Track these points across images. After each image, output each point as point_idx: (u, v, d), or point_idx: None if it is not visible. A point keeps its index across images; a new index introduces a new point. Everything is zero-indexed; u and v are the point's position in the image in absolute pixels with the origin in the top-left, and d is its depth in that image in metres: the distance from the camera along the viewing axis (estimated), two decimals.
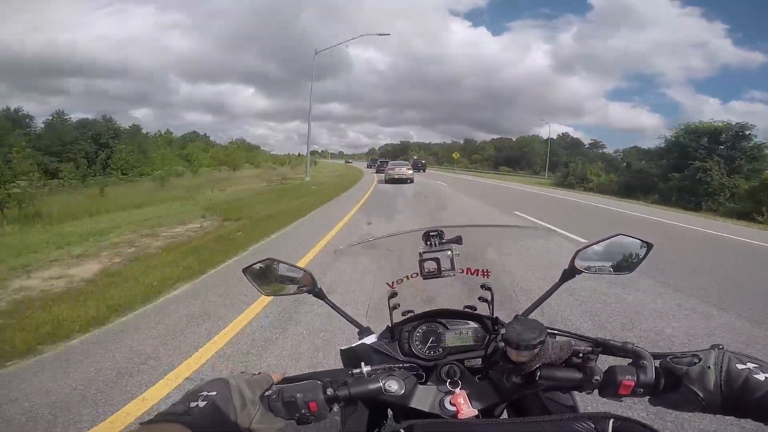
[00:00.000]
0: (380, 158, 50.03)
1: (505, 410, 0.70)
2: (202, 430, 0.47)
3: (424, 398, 0.65)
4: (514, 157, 71.38)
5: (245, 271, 0.84)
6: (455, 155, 58.05)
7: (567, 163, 38.59)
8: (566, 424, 0.47)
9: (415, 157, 51.29)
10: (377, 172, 31.56)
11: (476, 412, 0.62)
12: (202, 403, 0.50)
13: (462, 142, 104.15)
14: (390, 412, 0.71)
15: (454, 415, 0.61)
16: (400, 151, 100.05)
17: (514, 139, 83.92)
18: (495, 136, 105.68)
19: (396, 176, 21.29)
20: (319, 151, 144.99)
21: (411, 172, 22.16)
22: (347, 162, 66.02)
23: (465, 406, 0.61)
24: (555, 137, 76.69)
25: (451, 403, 0.62)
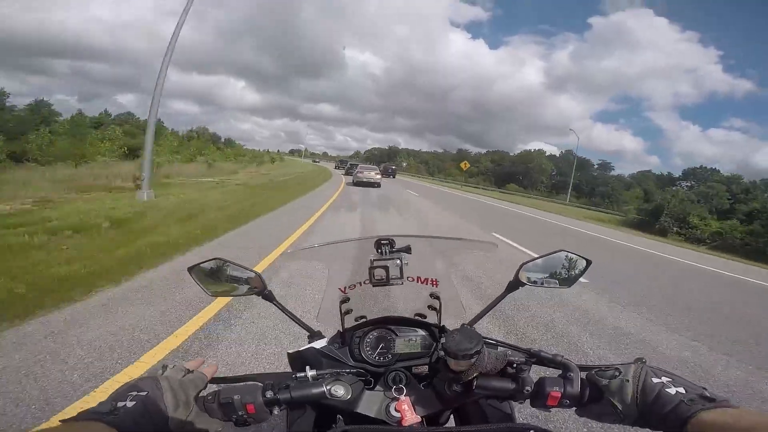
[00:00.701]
0: (350, 161, 50.36)
1: (451, 416, 0.72)
2: (127, 430, 0.45)
3: (370, 404, 0.66)
4: (515, 172, 64.51)
5: (191, 269, 0.81)
6: (464, 164, 44.37)
7: (646, 197, 28.85)
8: None
9: (387, 164, 48.96)
10: (346, 174, 32.21)
11: (419, 419, 0.63)
12: (130, 403, 0.48)
13: (455, 152, 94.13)
14: (339, 417, 0.71)
15: (399, 421, 0.62)
16: (387, 157, 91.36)
17: (511, 154, 77.50)
18: (483, 150, 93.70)
19: (364, 179, 21.80)
20: (301, 150, 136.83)
21: (379, 176, 22.70)
22: (314, 162, 60.08)
23: (409, 413, 0.63)
24: (558, 155, 72.06)
25: (396, 410, 0.63)
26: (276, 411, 0.56)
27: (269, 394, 0.55)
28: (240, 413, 0.54)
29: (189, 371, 0.57)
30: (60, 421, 0.44)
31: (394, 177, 40.26)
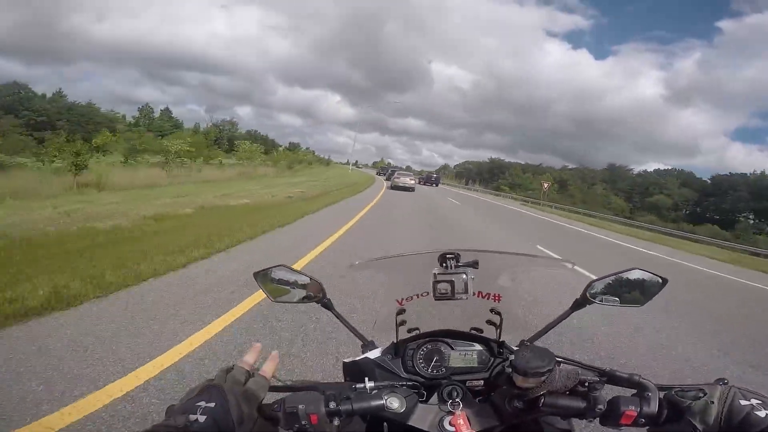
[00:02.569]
0: (390, 168, 53.65)
1: None
2: None
3: (423, 417, 0.65)
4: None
5: (256, 275, 0.85)
6: (547, 184, 35.33)
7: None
8: None
9: (429, 172, 50.14)
10: (387, 179, 34.57)
11: None
12: (201, 417, 0.48)
13: (574, 167, 74.18)
14: (386, 426, 0.70)
15: None
16: (488, 172, 72.68)
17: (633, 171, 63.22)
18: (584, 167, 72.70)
19: (400, 184, 24.46)
20: (387, 162, 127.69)
21: (413, 182, 25.53)
22: (379, 174, 53.77)
23: (464, 428, 0.61)
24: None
25: (450, 424, 0.62)
26: (336, 422, 0.56)
27: (332, 405, 0.56)
28: (303, 423, 0.54)
29: (251, 375, 0.58)
30: None
31: (437, 185, 40.62)
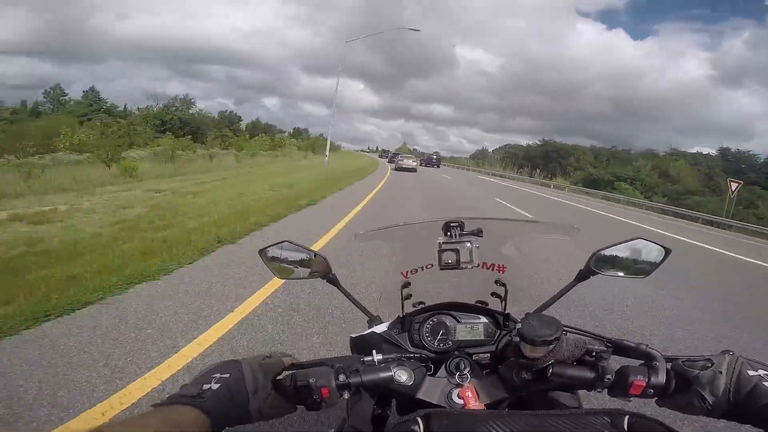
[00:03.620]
0: (392, 152, 54.09)
1: (508, 407, 0.69)
2: (214, 413, 0.47)
3: (432, 390, 0.66)
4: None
5: (261, 252, 0.85)
6: (735, 184, 18.34)
7: None
8: (583, 418, 0.47)
9: (429, 154, 48.21)
10: (389, 162, 37.40)
11: (483, 406, 0.62)
12: (215, 386, 0.49)
13: (610, 147, 50.66)
14: (394, 402, 0.72)
15: (462, 408, 0.62)
16: (541, 157, 48.59)
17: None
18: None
19: (404, 165, 27.69)
20: (413, 148, 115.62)
21: (415, 164, 28.78)
22: (382, 156, 52.66)
23: (473, 400, 0.62)
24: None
25: (458, 396, 0.63)
26: (346, 395, 0.57)
27: (341, 377, 0.56)
28: (314, 397, 0.55)
29: (268, 356, 0.60)
30: (152, 405, 0.47)
31: (438, 167, 41.46)
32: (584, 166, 43.97)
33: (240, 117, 68.15)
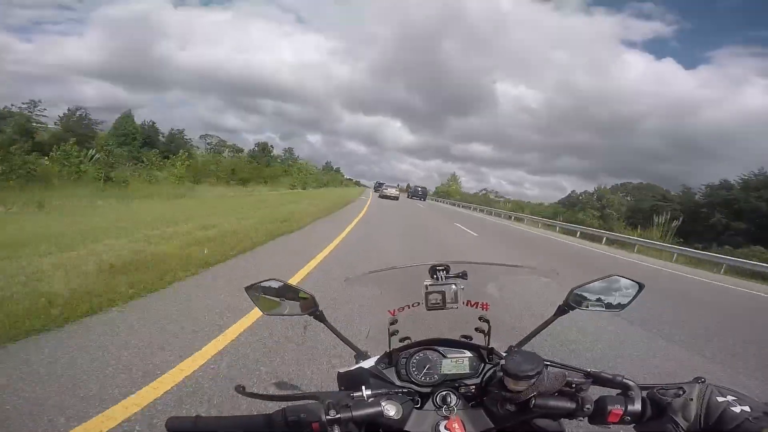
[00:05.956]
0: (378, 182, 57.61)
1: None
2: None
3: (420, 423, 0.67)
4: None
5: (248, 289, 0.86)
6: None
7: None
8: None
9: (416, 185, 48.69)
10: (375, 191, 40.98)
11: None
12: None
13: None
14: None
15: None
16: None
17: None
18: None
19: (387, 194, 30.79)
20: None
21: (397, 193, 32.14)
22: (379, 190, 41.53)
23: (460, 431, 0.63)
24: None
25: (446, 428, 0.64)
26: (336, 430, 0.57)
27: (332, 413, 0.57)
28: (305, 431, 0.56)
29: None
30: None
31: (423, 200, 42.90)
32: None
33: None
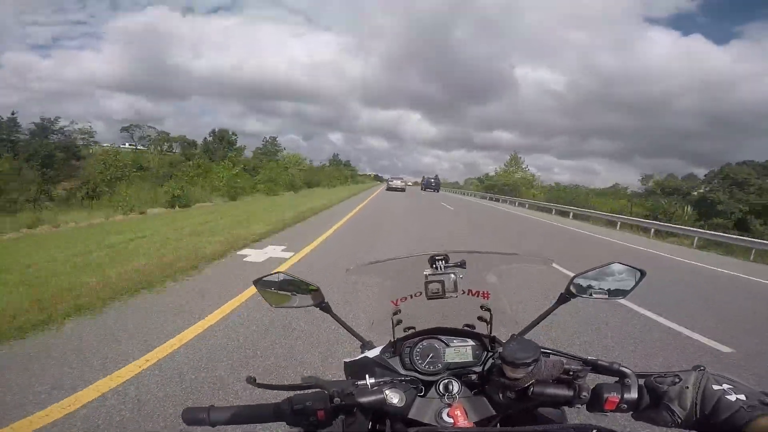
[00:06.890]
0: (390, 176, 56.16)
1: (498, 425, 0.73)
2: None
3: (423, 410, 0.69)
4: None
5: (256, 282, 0.88)
6: None
7: None
8: None
9: (428, 176, 45.86)
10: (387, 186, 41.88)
11: (472, 425, 0.67)
12: None
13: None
14: (388, 422, 0.73)
15: (452, 426, 0.66)
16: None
17: None
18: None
19: (394, 186, 31.60)
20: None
21: (403, 185, 32.74)
22: (390, 185, 39.01)
23: (462, 418, 0.66)
24: None
25: (448, 415, 0.67)
26: (341, 419, 0.60)
27: (337, 400, 0.59)
28: (311, 419, 0.58)
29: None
30: None
31: (437, 191, 41.29)
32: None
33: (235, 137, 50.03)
